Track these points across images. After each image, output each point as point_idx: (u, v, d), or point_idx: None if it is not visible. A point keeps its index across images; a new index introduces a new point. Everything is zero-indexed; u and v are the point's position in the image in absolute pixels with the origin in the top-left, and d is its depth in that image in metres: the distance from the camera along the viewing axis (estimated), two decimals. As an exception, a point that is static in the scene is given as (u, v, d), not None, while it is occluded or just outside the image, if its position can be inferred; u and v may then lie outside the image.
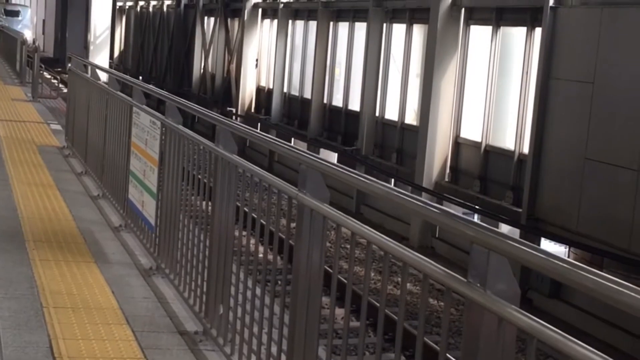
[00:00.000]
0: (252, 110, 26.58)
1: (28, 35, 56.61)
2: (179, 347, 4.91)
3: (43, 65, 21.45)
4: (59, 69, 38.72)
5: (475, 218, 12.64)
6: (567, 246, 12.99)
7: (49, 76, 35.37)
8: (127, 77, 9.09)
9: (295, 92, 23.88)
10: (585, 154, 12.59)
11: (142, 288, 5.98)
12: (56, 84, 31.30)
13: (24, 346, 4.71)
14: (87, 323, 5.15)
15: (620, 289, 2.07)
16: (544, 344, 2.35)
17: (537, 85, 13.61)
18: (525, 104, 14.33)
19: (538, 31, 14.02)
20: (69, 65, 12.03)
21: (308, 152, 4.15)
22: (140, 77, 34.70)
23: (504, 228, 13.65)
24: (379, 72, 19.06)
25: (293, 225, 4.05)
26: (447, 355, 3.23)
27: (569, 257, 12.44)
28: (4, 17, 55.91)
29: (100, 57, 31.17)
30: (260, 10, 26.39)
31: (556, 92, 13.34)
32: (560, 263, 2.28)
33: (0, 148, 11.50)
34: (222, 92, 28.70)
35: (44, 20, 59.83)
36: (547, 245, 13.00)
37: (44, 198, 8.59)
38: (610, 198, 12.10)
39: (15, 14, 59.68)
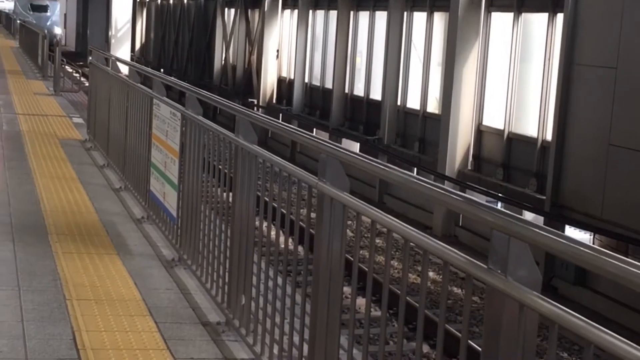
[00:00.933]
0: (274, 101, 26.58)
1: (58, 33, 51.63)
2: (201, 338, 4.92)
3: (64, 59, 21.51)
4: (81, 63, 38.88)
5: (499, 206, 12.58)
6: (592, 233, 12.91)
7: (70, 70, 35.52)
8: (148, 69, 9.10)
9: (316, 82, 23.85)
10: (609, 139, 12.49)
11: (164, 279, 5.99)
12: (78, 78, 31.42)
13: (47, 338, 4.73)
14: (110, 315, 5.17)
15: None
16: (566, 330, 2.33)
17: (560, 72, 13.51)
18: (548, 90, 14.23)
19: (560, 17, 13.91)
20: (90, 58, 12.06)
21: (328, 141, 4.14)
22: (162, 70, 34.78)
23: (528, 215, 13.57)
24: (400, 60, 18.99)
25: (313, 214, 4.03)
26: (469, 342, 3.21)
27: (593, 244, 12.36)
28: (31, 12, 53.78)
29: (122, 50, 31.32)
30: (280, 0, 26.36)
31: (579, 78, 13.25)
32: (582, 248, 2.25)
33: (23, 142, 11.56)
34: (244, 84, 28.71)
35: (65, 14, 58.37)
36: (571, 232, 12.92)
37: (66, 191, 8.63)
38: (634, 184, 12.00)
39: (43, 8, 56.77)
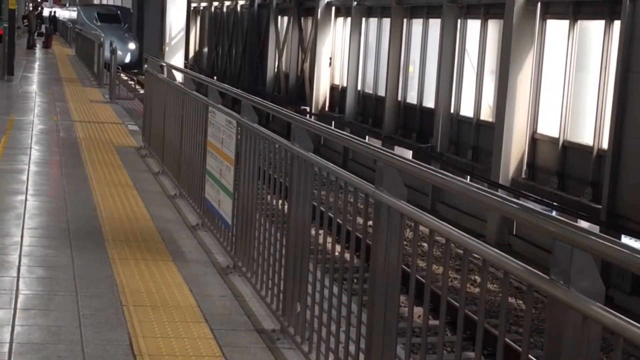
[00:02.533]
0: (326, 108, 26.59)
1: (132, 48, 44.27)
2: (256, 345, 4.93)
3: (120, 67, 21.73)
4: (135, 71, 39.25)
5: (554, 215, 12.45)
6: (649, 243, 12.72)
7: (125, 78, 35.90)
8: (203, 76, 9.16)
9: (369, 89, 23.82)
10: (666, 148, 12.31)
11: (219, 286, 6.01)
12: (133, 86, 31.74)
13: (104, 344, 4.77)
14: (166, 321, 5.20)
15: None
16: (630, 343, 2.29)
17: (616, 79, 13.34)
18: (604, 98, 14.06)
19: (617, 24, 13.74)
20: (145, 66, 12.18)
21: (384, 148, 4.12)
22: (215, 77, 35.00)
23: (583, 225, 13.42)
24: (454, 68, 18.89)
25: (369, 223, 4.02)
26: (529, 355, 3.17)
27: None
28: (98, 23, 44.50)
29: (176, 58, 31.53)
30: (333, 8, 26.38)
31: (636, 86, 13.07)
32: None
33: (79, 149, 11.70)
34: (296, 91, 28.78)
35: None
36: (628, 242, 12.74)
37: (122, 198, 8.71)
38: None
39: (114, 18, 46.67)
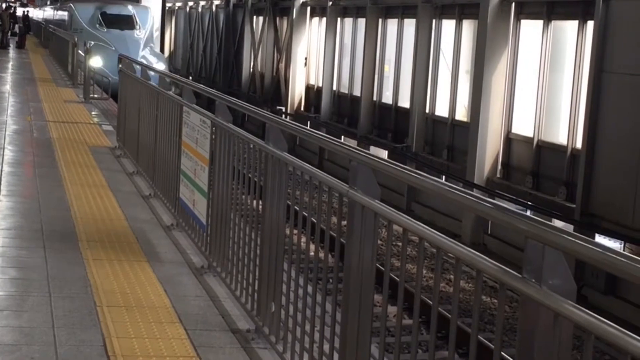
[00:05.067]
0: (302, 108, 26.60)
1: (162, 67, 25.96)
2: (231, 345, 4.92)
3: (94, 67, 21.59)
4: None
5: (528, 214, 12.51)
6: (623, 242, 12.80)
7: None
8: (177, 76, 9.14)
9: (344, 89, 23.85)
10: None
11: (194, 286, 6.00)
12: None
13: (78, 345, 4.75)
14: (140, 321, 5.18)
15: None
16: (601, 341, 2.30)
17: (590, 79, 13.43)
18: (578, 98, 14.14)
19: (590, 24, 13.83)
20: (120, 66, 12.12)
21: (359, 148, 4.13)
22: (190, 77, 34.91)
23: (557, 224, 13.49)
24: (429, 68, 18.95)
25: (344, 223, 4.02)
26: (502, 353, 3.19)
27: (624, 252, 12.24)
28: (103, 28, 30.47)
29: (151, 58, 31.37)
30: (308, 8, 26.39)
31: (609, 86, 13.16)
32: (618, 257, 2.23)
33: (53, 149, 11.63)
34: (272, 91, 28.76)
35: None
36: (601, 241, 12.81)
37: (96, 198, 8.67)
38: (666, 192, 11.90)
39: (125, 22, 30.97)
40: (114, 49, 27.57)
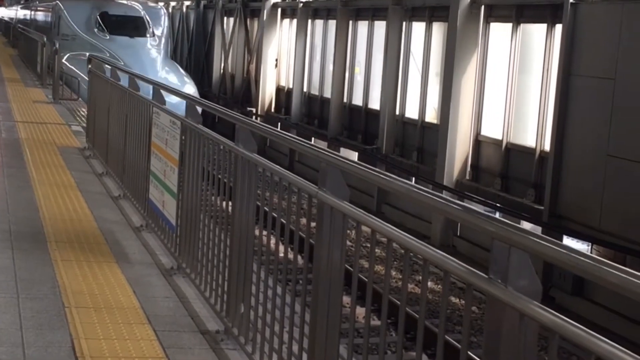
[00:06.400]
0: (272, 110, 26.60)
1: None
2: (200, 347, 4.92)
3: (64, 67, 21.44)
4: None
5: (497, 216, 12.58)
6: (590, 244, 12.91)
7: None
8: (147, 77, 9.11)
9: (315, 91, 23.87)
10: (607, 150, 12.51)
11: (163, 288, 5.99)
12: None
13: (46, 346, 4.73)
14: (109, 323, 5.17)
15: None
16: (566, 341, 2.33)
17: (558, 82, 13.54)
18: (546, 101, 14.25)
19: (558, 28, 13.95)
20: (89, 66, 12.07)
21: (328, 150, 4.15)
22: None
23: (526, 226, 13.58)
24: (399, 70, 19.02)
25: (313, 224, 4.04)
26: (469, 353, 3.21)
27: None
28: (106, 35, 23.81)
29: (121, 59, 31.15)
30: (279, 10, 26.40)
31: (577, 89, 13.27)
32: (582, 258, 2.26)
33: (21, 149, 11.55)
34: (242, 92, 28.73)
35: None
36: (569, 242, 12.92)
37: (65, 199, 8.63)
38: (632, 195, 12.01)
39: (136, 26, 24.21)
40: (122, 63, 19.62)
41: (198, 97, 15.45)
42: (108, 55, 21.08)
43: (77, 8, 25.06)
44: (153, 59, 22.57)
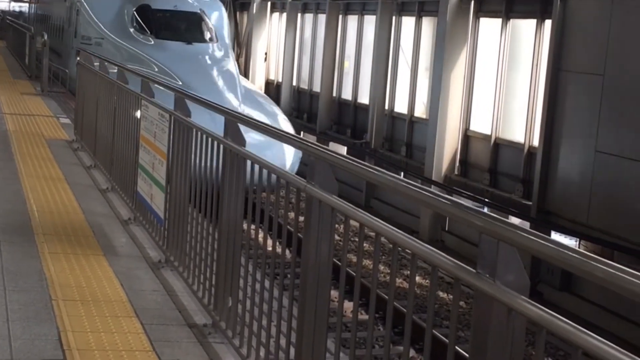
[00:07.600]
0: (262, 103, 26.54)
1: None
2: (188, 340, 4.91)
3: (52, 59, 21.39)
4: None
5: (485, 211, 12.60)
6: (578, 239, 12.94)
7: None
8: (136, 69, 9.08)
9: (304, 85, 23.85)
10: (595, 146, 12.53)
11: (151, 281, 5.98)
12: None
13: (33, 338, 4.71)
14: (96, 315, 5.16)
15: (632, 279, 2.05)
16: (554, 335, 2.33)
17: (547, 78, 13.55)
18: (535, 96, 14.27)
19: (548, 23, 13.96)
20: (78, 58, 12.02)
21: (316, 143, 4.14)
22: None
23: (514, 221, 13.57)
24: (388, 65, 19.02)
25: (302, 218, 4.03)
26: (456, 348, 3.22)
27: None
28: (149, 39, 17.25)
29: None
30: (269, 3, 26.36)
31: (566, 85, 13.29)
32: (570, 252, 2.26)
33: (9, 142, 11.51)
34: (232, 86, 28.60)
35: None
36: (557, 238, 12.94)
37: (53, 191, 8.60)
38: (621, 191, 12.05)
39: (191, 26, 17.39)
40: (180, 83, 14.04)
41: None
42: (156, 70, 15.43)
43: (100, 5, 18.64)
44: (228, 77, 15.56)
